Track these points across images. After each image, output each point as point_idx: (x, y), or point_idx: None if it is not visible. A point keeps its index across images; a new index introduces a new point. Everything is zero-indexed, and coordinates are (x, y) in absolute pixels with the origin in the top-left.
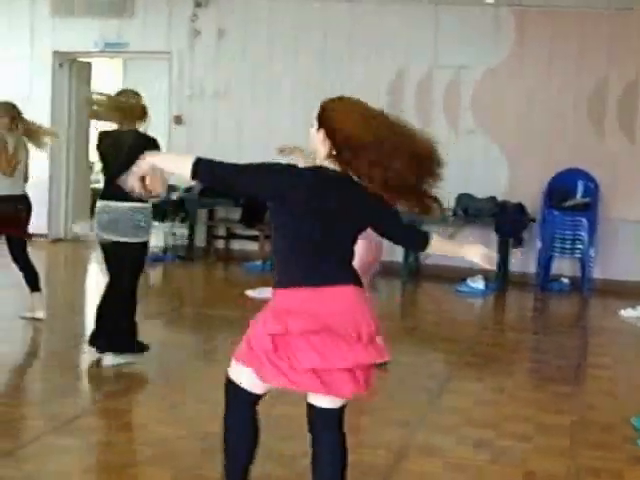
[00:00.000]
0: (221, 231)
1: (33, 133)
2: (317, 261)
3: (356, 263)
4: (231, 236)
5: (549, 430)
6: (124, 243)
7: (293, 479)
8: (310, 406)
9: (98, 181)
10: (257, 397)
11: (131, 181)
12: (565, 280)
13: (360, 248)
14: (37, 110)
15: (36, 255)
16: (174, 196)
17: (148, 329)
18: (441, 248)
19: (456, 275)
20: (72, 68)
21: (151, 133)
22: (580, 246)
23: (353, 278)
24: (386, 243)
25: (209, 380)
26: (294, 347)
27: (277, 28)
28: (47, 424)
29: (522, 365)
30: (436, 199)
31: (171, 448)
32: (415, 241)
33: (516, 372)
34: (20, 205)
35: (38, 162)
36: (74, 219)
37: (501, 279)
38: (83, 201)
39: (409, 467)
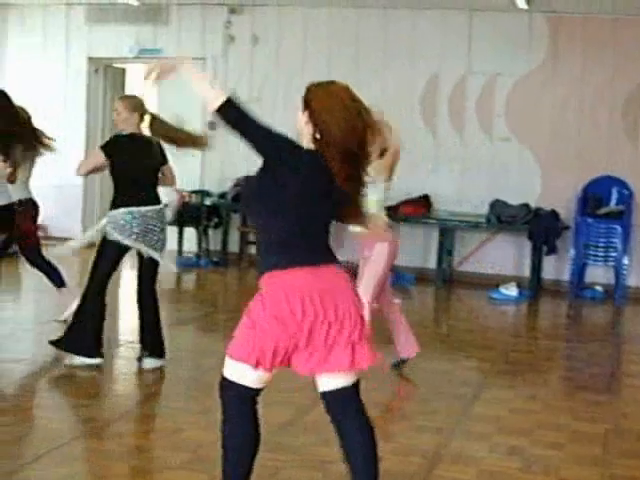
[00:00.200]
0: (254, 237)
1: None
2: (314, 241)
3: (379, 268)
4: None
5: (582, 438)
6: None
7: None
8: (323, 395)
9: None
10: (258, 392)
11: (154, 69)
12: (599, 288)
13: (383, 254)
14: (72, 115)
15: (70, 260)
16: (208, 202)
17: (181, 334)
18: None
19: (489, 282)
20: (107, 74)
21: None
22: (614, 254)
23: (336, 259)
24: (421, 251)
25: None
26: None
27: (311, 35)
28: (81, 428)
29: (555, 373)
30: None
31: (205, 453)
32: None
33: (549, 380)
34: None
35: (71, 168)
36: None
37: (534, 286)
38: None
39: (442, 474)
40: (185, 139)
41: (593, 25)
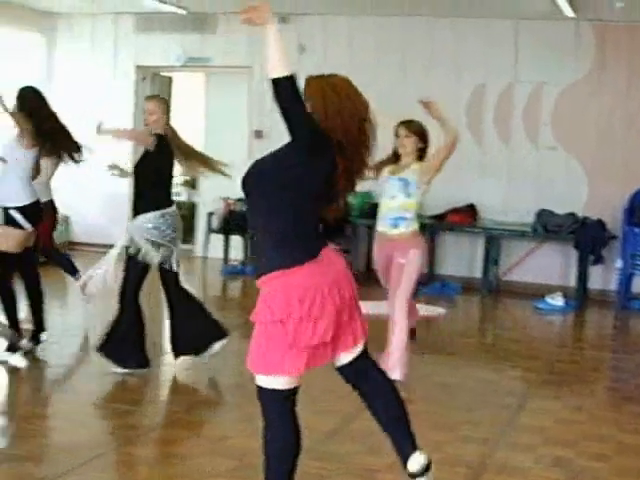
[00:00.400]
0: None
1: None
2: (312, 233)
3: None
4: None
5: (628, 450)
6: None
7: None
8: (341, 369)
9: (179, 194)
10: (294, 391)
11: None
12: None
13: (417, 260)
14: (119, 123)
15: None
16: None
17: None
18: None
19: (535, 292)
20: (154, 82)
21: (233, 147)
22: None
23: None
24: (467, 260)
25: None
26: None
27: (356, 44)
28: (125, 434)
29: (601, 384)
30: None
31: (250, 461)
32: None
33: (595, 391)
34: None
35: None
36: None
37: (581, 297)
38: None
39: None
40: (196, 155)
41: (639, 33)
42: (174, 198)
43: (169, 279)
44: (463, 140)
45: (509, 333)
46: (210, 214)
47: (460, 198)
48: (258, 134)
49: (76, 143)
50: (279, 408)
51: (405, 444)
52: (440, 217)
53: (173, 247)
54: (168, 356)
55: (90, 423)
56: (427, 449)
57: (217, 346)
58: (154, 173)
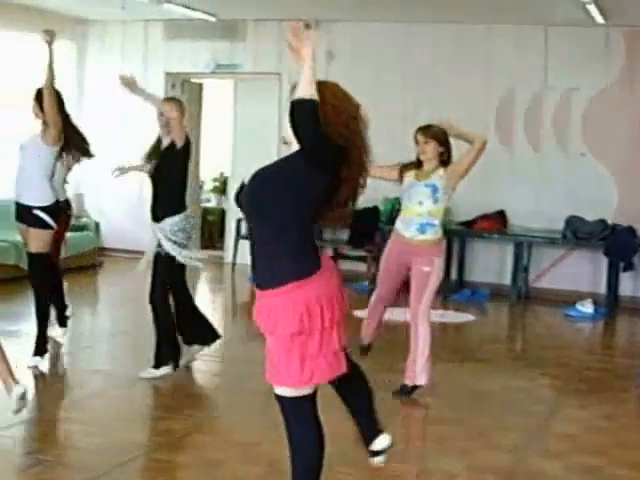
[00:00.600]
0: (329, 252)
1: None
2: (314, 243)
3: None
4: (339, 256)
5: None
6: None
7: None
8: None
9: (209, 200)
10: (313, 395)
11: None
12: None
13: (441, 271)
14: (150, 130)
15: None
16: None
17: (254, 348)
18: None
19: (565, 299)
20: (184, 89)
21: (262, 154)
22: None
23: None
24: (496, 267)
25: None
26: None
27: (385, 50)
28: (156, 440)
29: (632, 392)
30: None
31: (280, 467)
32: None
33: (626, 399)
34: None
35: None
36: None
37: (611, 304)
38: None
39: None
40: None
41: None
42: (204, 205)
43: (178, 275)
44: (493, 146)
45: (539, 340)
46: (239, 220)
47: (490, 204)
48: (285, 140)
49: (87, 142)
50: (300, 414)
51: (372, 427)
52: (470, 223)
53: (192, 245)
54: (200, 362)
55: (120, 428)
56: (455, 455)
57: (197, 348)
58: (181, 171)
